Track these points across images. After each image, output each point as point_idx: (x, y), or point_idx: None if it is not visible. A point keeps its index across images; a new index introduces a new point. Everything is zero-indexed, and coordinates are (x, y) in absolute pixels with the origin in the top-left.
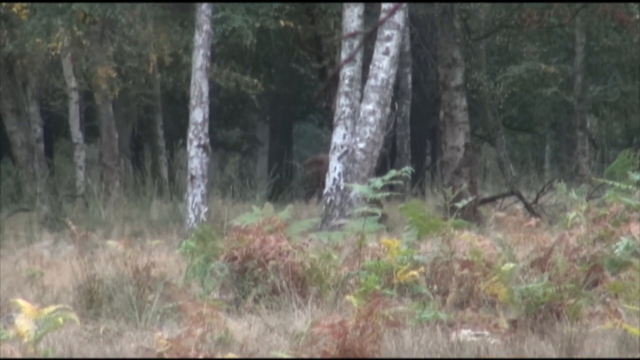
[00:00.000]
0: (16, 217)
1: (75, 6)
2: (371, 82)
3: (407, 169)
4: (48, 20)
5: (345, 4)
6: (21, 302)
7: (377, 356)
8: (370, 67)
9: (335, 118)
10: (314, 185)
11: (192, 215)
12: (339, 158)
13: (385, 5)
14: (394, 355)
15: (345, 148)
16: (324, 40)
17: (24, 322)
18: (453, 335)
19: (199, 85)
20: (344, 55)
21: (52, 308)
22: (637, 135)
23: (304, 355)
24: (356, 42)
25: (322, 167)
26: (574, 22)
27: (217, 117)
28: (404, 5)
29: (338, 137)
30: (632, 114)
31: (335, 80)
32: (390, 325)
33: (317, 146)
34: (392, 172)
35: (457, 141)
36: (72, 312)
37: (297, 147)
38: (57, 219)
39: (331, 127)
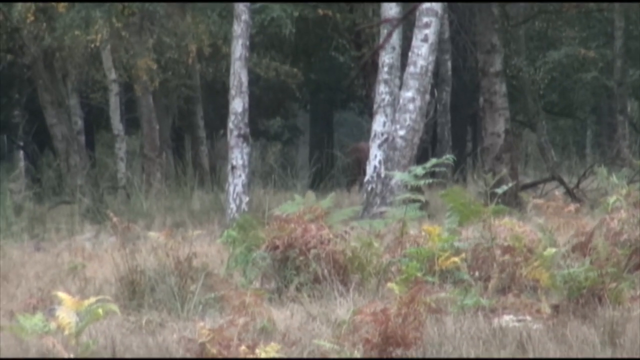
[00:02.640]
0: (58, 210)
1: None
2: (410, 69)
3: (449, 157)
4: (87, 13)
5: None
6: (62, 294)
7: (419, 343)
8: (409, 54)
9: (375, 106)
10: (355, 173)
11: (233, 205)
12: (379, 146)
13: None
14: (436, 343)
15: (385, 136)
16: (360, 26)
17: (65, 314)
18: (495, 321)
19: (239, 75)
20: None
21: (92, 300)
22: None
23: (346, 344)
24: (395, 30)
25: (362, 155)
26: (613, 6)
27: (258, 107)
28: None
29: (378, 124)
30: None
31: (374, 68)
32: (432, 312)
33: (358, 134)
34: (433, 160)
35: (497, 127)
36: (113, 304)
37: (338, 135)
38: (98, 211)
39: (371, 115)
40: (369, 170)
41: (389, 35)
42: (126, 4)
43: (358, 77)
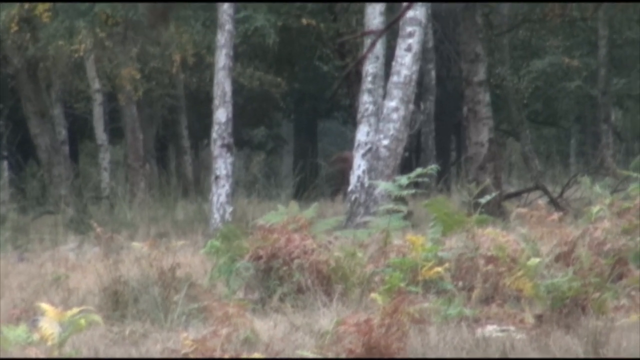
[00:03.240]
0: (41, 220)
1: (97, 8)
2: (394, 78)
3: (433, 167)
4: (70, 23)
5: (367, 2)
6: (45, 305)
7: (402, 354)
8: (393, 63)
9: (359, 115)
10: (339, 183)
11: (217, 215)
12: (363, 155)
13: (406, 2)
14: (419, 353)
15: (369, 145)
16: (343, 37)
17: (48, 325)
18: (479, 331)
19: (222, 85)
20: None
21: (75, 310)
22: None
23: (330, 354)
24: (378, 40)
25: (346, 165)
26: (597, 15)
27: (242, 116)
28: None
29: (362, 134)
30: None
31: (358, 78)
32: (416, 323)
33: (342, 144)
34: (418, 170)
35: (481, 136)
36: (96, 314)
37: (322, 144)
38: (82, 221)
39: (355, 125)
40: (353, 180)
41: (372, 45)
42: (110, 13)
43: (342, 86)
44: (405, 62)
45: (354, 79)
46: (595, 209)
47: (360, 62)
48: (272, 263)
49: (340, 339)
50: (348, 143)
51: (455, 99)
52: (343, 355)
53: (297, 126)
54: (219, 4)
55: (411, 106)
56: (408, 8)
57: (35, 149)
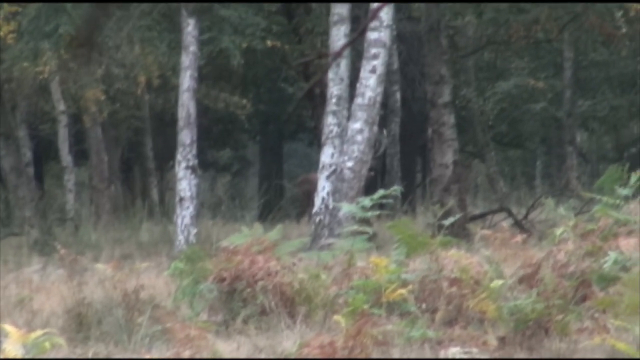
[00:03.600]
0: (5, 242)
1: (62, 29)
2: (358, 100)
3: (396, 189)
4: (35, 44)
5: (332, 23)
6: (8, 327)
7: None
8: (357, 85)
9: (323, 137)
10: (305, 204)
11: (181, 237)
12: (328, 177)
13: (371, 24)
14: None
15: (333, 167)
16: (300, 60)
17: (12, 347)
18: (442, 353)
19: (187, 107)
20: (331, 75)
21: (39, 332)
22: (627, 150)
23: None
24: (343, 61)
25: (311, 187)
26: (562, 37)
27: (207, 138)
28: (387, 22)
29: (326, 156)
30: (622, 128)
31: (323, 100)
32: (379, 345)
33: (308, 165)
34: (381, 192)
35: (445, 158)
36: (59, 336)
37: (288, 166)
38: (46, 243)
39: (320, 146)
40: (317, 201)
41: (328, 67)
42: (74, 34)
43: (306, 108)
44: (370, 84)
45: (319, 100)
46: (559, 230)
47: (323, 84)
48: (235, 285)
49: None
50: (313, 165)
51: (420, 120)
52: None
53: (263, 148)
54: (184, 25)
55: (375, 128)
56: (372, 19)
57: (0, 171)
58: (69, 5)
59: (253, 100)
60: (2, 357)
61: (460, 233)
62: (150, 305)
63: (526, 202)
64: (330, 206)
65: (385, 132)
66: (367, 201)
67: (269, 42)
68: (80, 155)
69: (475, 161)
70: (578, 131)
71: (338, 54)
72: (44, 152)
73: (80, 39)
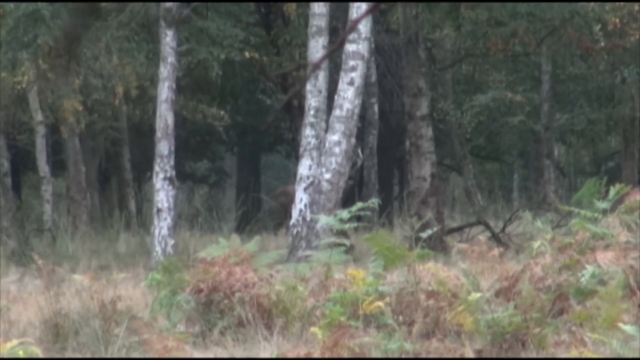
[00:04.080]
0: None
1: (40, 39)
2: (336, 112)
3: (374, 201)
4: (13, 54)
5: (310, 35)
6: None
7: None
8: (336, 97)
9: (301, 149)
10: (282, 216)
11: (158, 248)
12: (305, 189)
13: (349, 35)
14: None
15: (311, 179)
16: (279, 70)
17: None
18: None
19: (165, 118)
20: (309, 86)
21: (14, 342)
22: (605, 163)
23: None
24: (321, 73)
25: (289, 199)
26: (540, 50)
27: (185, 150)
28: (365, 35)
29: (304, 168)
30: (599, 142)
31: (301, 111)
32: (356, 357)
33: (285, 177)
34: (359, 204)
35: (423, 171)
36: (36, 346)
37: (265, 178)
38: (23, 253)
39: (298, 158)
40: (295, 213)
41: (304, 81)
42: (53, 45)
43: (284, 120)
44: (348, 96)
45: (297, 112)
46: (536, 244)
47: (301, 95)
48: (213, 296)
49: None
50: (291, 177)
51: (397, 133)
52: None
53: (240, 159)
54: (162, 36)
55: (353, 140)
56: (350, 32)
57: None
58: (47, 15)
59: (231, 112)
60: None
61: (437, 246)
62: (128, 316)
63: (503, 216)
64: (308, 218)
65: (360, 146)
66: (344, 213)
67: (247, 54)
68: (58, 165)
69: (453, 174)
70: (555, 145)
71: (317, 65)
72: (22, 163)
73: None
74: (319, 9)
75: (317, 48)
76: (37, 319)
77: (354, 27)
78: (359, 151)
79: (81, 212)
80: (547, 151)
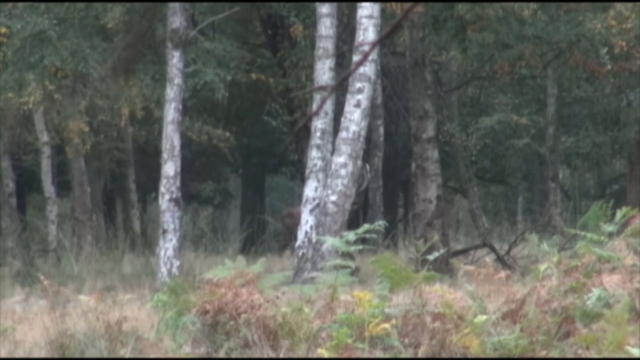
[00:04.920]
0: None
1: (46, 60)
2: (342, 134)
3: (381, 223)
4: (20, 75)
5: (317, 57)
6: None
7: None
8: (342, 119)
9: (307, 171)
10: (288, 238)
11: (164, 269)
12: (311, 211)
13: (356, 58)
14: None
15: (317, 201)
16: (294, 92)
17: None
18: None
19: (171, 139)
20: (315, 108)
21: None
22: (610, 186)
23: None
24: (326, 95)
25: (295, 221)
26: (546, 73)
27: (190, 171)
28: (372, 57)
29: (310, 189)
30: (605, 165)
31: (307, 133)
32: None
33: (290, 199)
34: (365, 226)
35: (429, 193)
36: None
37: (270, 200)
38: (29, 273)
39: (303, 180)
40: (300, 235)
41: (323, 102)
42: (59, 66)
43: (291, 142)
44: (354, 118)
45: (303, 134)
46: (542, 266)
47: (310, 119)
48: (218, 317)
49: None
50: (296, 199)
51: (403, 155)
52: None
53: (245, 181)
54: (169, 58)
55: (359, 162)
56: (360, 64)
57: None
58: (54, 36)
59: (236, 133)
60: None
61: (443, 268)
62: (133, 337)
63: (508, 238)
64: (314, 240)
65: (367, 166)
66: (351, 235)
67: (253, 75)
68: (63, 186)
69: (458, 196)
70: (561, 167)
71: (334, 88)
72: (27, 183)
73: (116, 71)
74: (325, 31)
75: (323, 70)
76: (43, 339)
77: (374, 47)
78: (366, 171)
79: (86, 232)
80: (552, 174)
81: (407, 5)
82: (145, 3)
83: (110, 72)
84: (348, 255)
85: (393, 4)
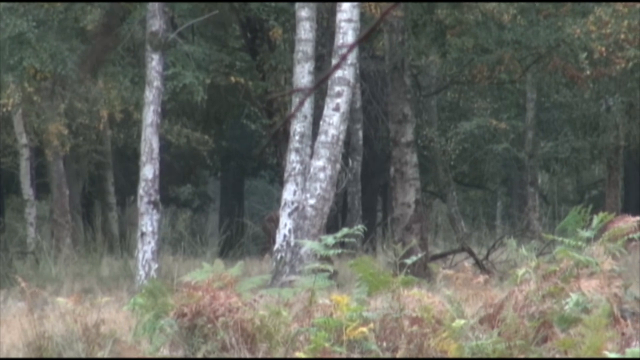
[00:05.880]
0: None
1: (26, 62)
2: (321, 138)
3: (360, 227)
4: None
5: (296, 61)
6: None
7: None
8: (321, 123)
9: (286, 174)
10: (268, 241)
11: (142, 272)
12: (290, 214)
13: (335, 61)
14: None
15: (295, 204)
16: (271, 94)
17: None
18: None
19: (150, 142)
20: (293, 111)
21: None
22: (589, 192)
23: None
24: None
25: (276, 225)
26: (525, 78)
27: (169, 174)
28: (350, 60)
29: (288, 193)
30: (583, 170)
31: (286, 137)
32: None
33: (269, 202)
34: (344, 230)
35: (407, 197)
36: None
37: (249, 203)
38: (7, 275)
39: (282, 184)
40: (279, 238)
41: (301, 104)
42: (38, 68)
43: (269, 145)
44: (333, 122)
45: (282, 137)
46: (521, 271)
47: (288, 121)
48: (196, 320)
49: None
50: (274, 202)
51: (382, 159)
52: None
53: (224, 184)
54: (148, 60)
55: (338, 166)
56: (338, 66)
57: None
58: (33, 38)
59: (215, 137)
60: None
61: (421, 272)
62: (111, 340)
63: (486, 243)
64: (292, 243)
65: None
66: (330, 239)
67: (232, 79)
68: (42, 188)
69: (436, 201)
70: (539, 172)
71: (311, 91)
72: (5, 185)
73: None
74: (305, 34)
75: (303, 74)
76: (21, 341)
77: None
78: (345, 173)
79: (64, 235)
80: (531, 179)
81: (385, 7)
82: (123, 5)
83: (80, 66)
84: (326, 259)
85: (372, 7)
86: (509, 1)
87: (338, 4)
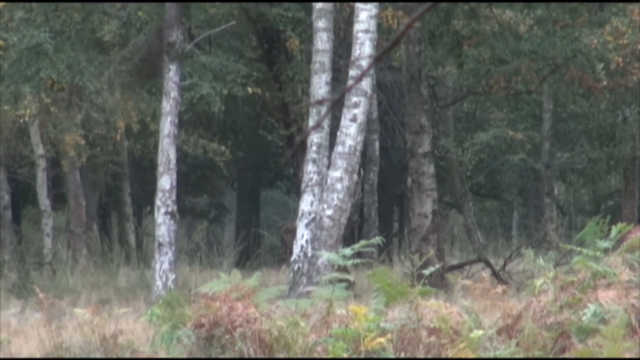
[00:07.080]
0: None
1: (43, 73)
2: (339, 148)
3: (378, 238)
4: (16, 87)
5: (313, 71)
6: None
7: None
8: (338, 134)
9: (303, 185)
10: (284, 252)
11: (159, 283)
12: (307, 225)
13: (352, 72)
14: None
15: (312, 215)
16: (291, 107)
17: None
18: None
19: (167, 152)
20: (311, 122)
21: None
22: (605, 202)
23: None
24: (323, 109)
25: (291, 235)
26: (541, 88)
27: (185, 184)
28: (371, 71)
29: (305, 204)
30: (600, 181)
31: (303, 147)
32: None
33: (285, 213)
34: (363, 242)
35: (424, 208)
36: None
37: (265, 214)
38: (24, 286)
39: (299, 194)
40: (296, 249)
41: (324, 116)
42: (55, 79)
43: (290, 157)
44: (350, 133)
45: (299, 148)
46: (538, 282)
47: (309, 133)
48: (214, 331)
49: None
50: (291, 213)
51: (398, 170)
52: None
53: (240, 195)
54: (165, 71)
55: (355, 176)
56: (360, 79)
57: None
58: (50, 49)
59: (232, 147)
60: None
61: (438, 283)
62: (129, 351)
63: (503, 253)
64: (309, 254)
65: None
66: (348, 250)
67: (249, 89)
68: (58, 199)
69: (453, 211)
70: (556, 183)
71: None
72: (22, 196)
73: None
74: (322, 45)
75: (320, 84)
76: (39, 352)
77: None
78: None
79: (81, 245)
80: (547, 189)
81: (406, 20)
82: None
83: (124, 87)
84: (343, 269)
85: (389, 19)
86: (532, 1)
87: (355, 15)
